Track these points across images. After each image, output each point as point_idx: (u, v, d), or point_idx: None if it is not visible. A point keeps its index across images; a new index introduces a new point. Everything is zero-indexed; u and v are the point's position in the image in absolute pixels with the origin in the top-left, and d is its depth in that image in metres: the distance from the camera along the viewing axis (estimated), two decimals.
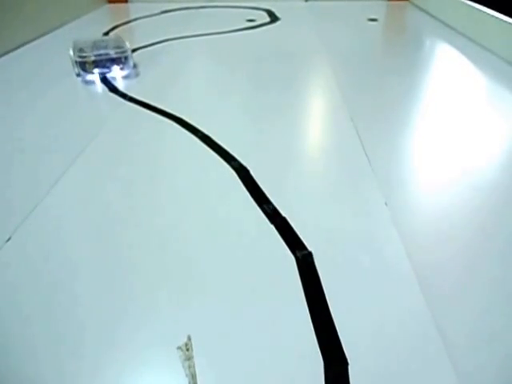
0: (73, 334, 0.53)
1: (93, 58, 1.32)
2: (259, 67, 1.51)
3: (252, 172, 0.86)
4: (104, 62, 1.35)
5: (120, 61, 1.37)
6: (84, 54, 1.32)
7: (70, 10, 2.18)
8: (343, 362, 0.49)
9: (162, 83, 1.35)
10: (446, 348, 0.50)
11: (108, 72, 1.37)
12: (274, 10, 2.35)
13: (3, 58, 1.61)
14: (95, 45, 1.37)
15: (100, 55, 1.33)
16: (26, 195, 0.80)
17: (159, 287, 0.60)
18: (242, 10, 2.38)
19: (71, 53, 1.34)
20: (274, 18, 2.20)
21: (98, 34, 1.89)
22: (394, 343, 0.52)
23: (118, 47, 1.37)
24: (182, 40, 1.82)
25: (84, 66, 1.33)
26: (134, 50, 1.66)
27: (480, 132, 1.03)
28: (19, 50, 1.70)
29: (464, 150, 0.95)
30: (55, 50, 1.70)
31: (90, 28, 2.07)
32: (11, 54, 1.65)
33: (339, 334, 0.52)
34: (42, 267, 0.64)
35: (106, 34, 1.91)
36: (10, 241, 0.69)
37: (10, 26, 1.68)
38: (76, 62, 1.33)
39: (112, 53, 1.35)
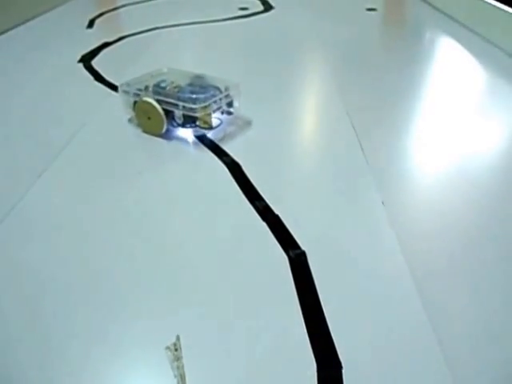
0: (59, 332, 0.52)
1: (214, 107, 0.91)
2: (252, 59, 1.47)
3: (244, 168, 0.84)
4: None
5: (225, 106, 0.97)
6: (201, 106, 0.87)
7: None
8: (337, 366, 0.48)
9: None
10: (442, 352, 0.50)
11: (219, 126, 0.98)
12: None
13: None
14: (177, 87, 0.94)
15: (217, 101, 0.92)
16: (15, 184, 0.78)
17: (147, 287, 0.58)
18: None
19: (153, 102, 0.89)
20: (267, 6, 2.16)
21: (84, 21, 1.83)
22: (390, 346, 0.51)
23: (220, 88, 0.95)
24: (171, 28, 1.77)
25: (189, 119, 0.91)
26: (121, 38, 1.61)
27: (480, 128, 1.02)
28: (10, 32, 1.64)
29: (463, 146, 0.94)
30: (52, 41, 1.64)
31: (76, 14, 2.01)
32: None
33: (333, 336, 0.51)
34: (26, 262, 0.62)
35: (93, 20, 1.85)
36: None
37: None
38: (183, 115, 0.90)
39: (221, 96, 0.94)
